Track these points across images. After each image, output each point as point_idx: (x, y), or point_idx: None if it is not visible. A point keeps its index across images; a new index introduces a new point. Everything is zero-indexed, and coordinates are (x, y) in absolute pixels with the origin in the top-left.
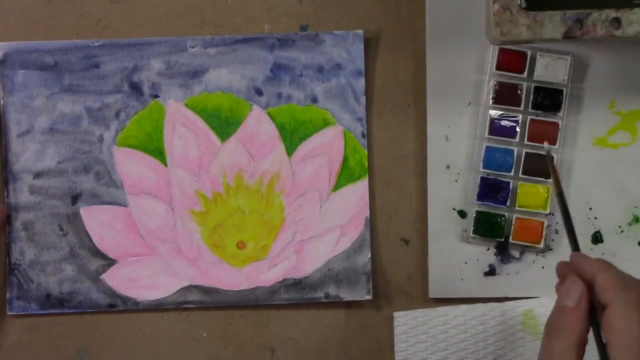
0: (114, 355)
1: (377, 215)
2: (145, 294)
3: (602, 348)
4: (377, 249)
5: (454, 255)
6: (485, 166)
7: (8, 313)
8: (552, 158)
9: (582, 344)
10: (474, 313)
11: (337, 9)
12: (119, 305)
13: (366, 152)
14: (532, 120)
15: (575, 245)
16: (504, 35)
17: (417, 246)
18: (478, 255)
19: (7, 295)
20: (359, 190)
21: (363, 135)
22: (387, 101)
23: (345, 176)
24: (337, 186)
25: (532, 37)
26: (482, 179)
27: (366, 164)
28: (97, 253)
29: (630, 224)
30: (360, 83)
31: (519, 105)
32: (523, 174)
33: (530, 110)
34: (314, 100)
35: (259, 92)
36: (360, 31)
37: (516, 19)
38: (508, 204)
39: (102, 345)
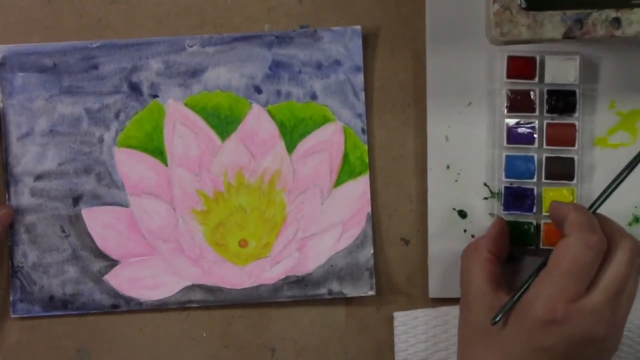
0: (114, 355)
1: (377, 215)
2: (149, 294)
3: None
4: (377, 249)
5: (454, 255)
6: (508, 175)
7: (12, 316)
8: None
9: (489, 263)
10: None
11: (337, 8)
12: (122, 305)
13: (366, 147)
14: (548, 124)
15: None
16: (504, 35)
17: (417, 246)
18: None
19: (11, 298)
20: (360, 186)
21: (363, 131)
22: (387, 101)
23: (346, 172)
24: (338, 182)
25: (532, 37)
26: (506, 188)
27: (367, 160)
28: (100, 254)
29: (630, 224)
30: (359, 79)
31: (533, 110)
32: (546, 178)
33: (545, 114)
34: (313, 97)
35: (258, 90)
36: (358, 27)
37: (516, 19)
38: (534, 210)
39: (103, 345)
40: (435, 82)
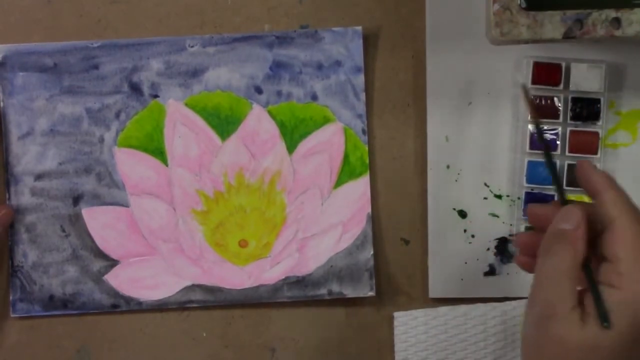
0: (114, 355)
1: (377, 215)
2: (148, 294)
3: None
4: (377, 249)
5: (454, 255)
6: (529, 181)
7: (12, 315)
8: (526, 88)
9: (580, 267)
10: (474, 313)
11: (337, 8)
12: (122, 305)
13: (367, 148)
14: (572, 132)
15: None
16: (504, 35)
17: (417, 246)
18: (478, 255)
19: (10, 298)
20: (360, 186)
21: (363, 131)
22: (387, 101)
23: (346, 173)
24: (338, 183)
25: (532, 37)
26: (527, 194)
27: (367, 161)
28: (100, 254)
29: None
30: (360, 79)
31: (557, 117)
32: (567, 185)
33: (569, 121)
34: (314, 97)
35: (259, 90)
36: (359, 27)
37: (516, 19)
38: None
39: (103, 345)
40: (435, 82)
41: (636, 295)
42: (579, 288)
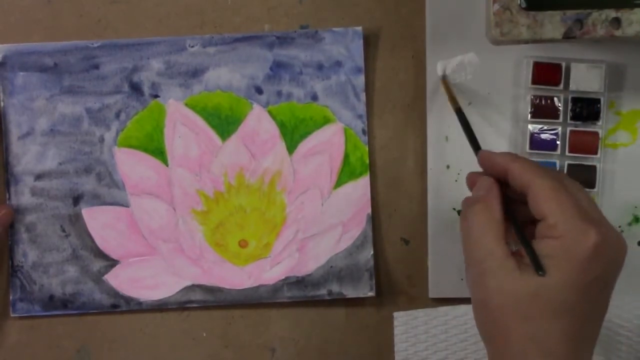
0: (114, 355)
1: (377, 215)
2: (148, 294)
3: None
4: (377, 249)
5: (454, 255)
6: None
7: (12, 315)
8: (446, 78)
9: (501, 222)
10: None
11: (337, 8)
12: (122, 305)
13: (367, 148)
14: (572, 132)
15: (477, 146)
16: (504, 35)
17: (417, 246)
18: None
19: (10, 297)
20: (360, 187)
21: (364, 132)
22: (387, 101)
23: (346, 173)
24: (338, 183)
25: (532, 37)
26: None
27: (367, 161)
28: (100, 254)
29: (630, 224)
30: (360, 80)
31: (557, 117)
32: None
33: (569, 121)
34: (314, 97)
35: (259, 91)
36: (360, 28)
37: (516, 19)
38: None
39: (103, 345)
40: (435, 82)
41: (570, 239)
42: (514, 249)
